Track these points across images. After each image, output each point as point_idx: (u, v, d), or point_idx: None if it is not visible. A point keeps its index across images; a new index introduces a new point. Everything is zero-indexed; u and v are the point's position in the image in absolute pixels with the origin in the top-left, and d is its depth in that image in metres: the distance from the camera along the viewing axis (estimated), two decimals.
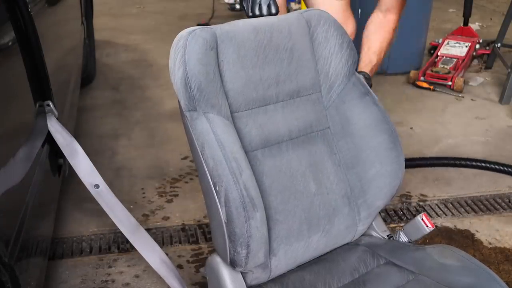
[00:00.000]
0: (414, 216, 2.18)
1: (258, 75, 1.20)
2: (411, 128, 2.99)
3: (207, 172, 1.08)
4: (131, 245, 1.69)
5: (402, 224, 2.15)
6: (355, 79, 1.32)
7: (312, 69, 1.29)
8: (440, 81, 3.50)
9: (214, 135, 1.08)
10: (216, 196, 1.08)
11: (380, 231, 1.40)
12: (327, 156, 1.30)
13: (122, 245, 2.01)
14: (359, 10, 3.64)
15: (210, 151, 1.08)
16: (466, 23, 3.98)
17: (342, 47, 1.30)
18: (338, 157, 1.32)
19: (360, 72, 1.79)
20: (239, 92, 1.18)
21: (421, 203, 2.30)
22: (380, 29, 2.08)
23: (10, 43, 1.43)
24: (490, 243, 2.05)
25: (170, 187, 2.40)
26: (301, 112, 1.28)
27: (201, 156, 1.10)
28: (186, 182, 2.41)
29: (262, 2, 1.24)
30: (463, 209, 2.26)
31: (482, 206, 2.28)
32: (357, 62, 1.33)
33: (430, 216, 2.16)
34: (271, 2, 1.25)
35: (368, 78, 1.91)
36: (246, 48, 1.18)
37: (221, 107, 1.13)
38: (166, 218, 2.17)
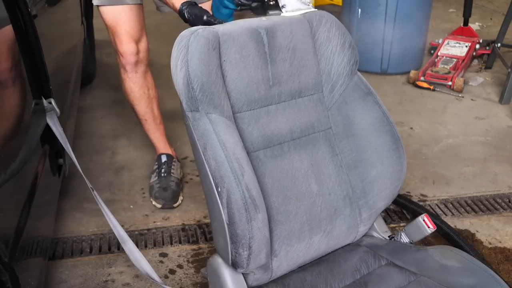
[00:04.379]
0: (414, 216, 2.19)
1: (260, 75, 1.20)
2: (411, 128, 2.99)
3: (209, 172, 1.08)
4: None
5: (402, 224, 2.15)
6: (357, 79, 1.32)
7: (314, 69, 1.29)
8: (440, 81, 3.50)
9: (216, 136, 1.08)
10: (218, 197, 1.07)
11: (381, 232, 1.40)
12: (329, 156, 1.30)
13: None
14: (359, 10, 3.65)
15: (212, 152, 1.07)
16: (466, 23, 3.98)
17: (344, 47, 1.30)
18: (340, 158, 1.32)
19: None
20: (242, 93, 1.18)
21: (421, 203, 2.30)
22: None
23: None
24: (490, 243, 2.05)
25: None
26: (303, 112, 1.28)
27: (203, 157, 1.09)
28: (186, 182, 2.41)
29: None
30: (463, 209, 2.26)
31: (482, 206, 2.28)
32: (358, 62, 1.33)
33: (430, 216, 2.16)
34: None
35: None
36: (249, 48, 1.18)
37: (223, 107, 1.12)
38: (166, 218, 2.17)
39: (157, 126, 2.34)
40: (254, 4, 1.40)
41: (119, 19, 2.04)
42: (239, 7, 1.44)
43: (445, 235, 2.01)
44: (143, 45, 2.14)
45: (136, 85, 2.20)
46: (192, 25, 1.36)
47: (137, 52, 2.11)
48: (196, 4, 1.44)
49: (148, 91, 2.24)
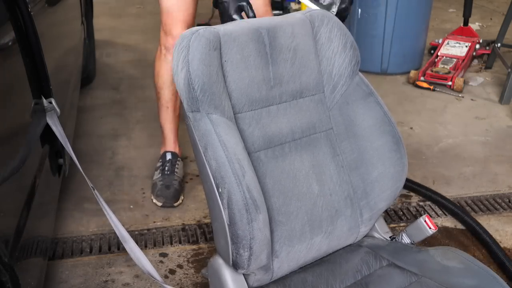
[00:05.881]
0: (414, 216, 2.19)
1: (261, 75, 1.20)
2: (411, 128, 2.99)
3: (209, 173, 1.08)
4: None
5: (402, 225, 2.15)
6: (359, 80, 1.31)
7: (315, 70, 1.29)
8: (440, 81, 3.50)
9: (217, 136, 1.08)
10: (218, 197, 1.07)
11: (382, 232, 1.40)
12: (330, 157, 1.30)
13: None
14: (359, 10, 3.65)
15: (213, 152, 1.07)
16: (466, 23, 3.99)
17: (346, 47, 1.29)
18: (341, 158, 1.32)
19: None
20: (243, 93, 1.17)
21: (421, 203, 2.30)
22: None
23: (10, 43, 1.43)
24: None
25: None
26: (304, 113, 1.27)
27: (203, 157, 1.09)
28: (186, 182, 2.41)
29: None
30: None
31: (482, 206, 2.28)
32: (360, 62, 1.33)
33: (431, 216, 2.16)
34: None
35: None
36: (250, 49, 1.18)
37: (224, 108, 1.12)
38: (166, 218, 2.17)
39: (175, 118, 2.34)
40: None
41: (178, 6, 2.09)
42: None
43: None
44: None
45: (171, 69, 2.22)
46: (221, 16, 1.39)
47: None
48: None
49: None
